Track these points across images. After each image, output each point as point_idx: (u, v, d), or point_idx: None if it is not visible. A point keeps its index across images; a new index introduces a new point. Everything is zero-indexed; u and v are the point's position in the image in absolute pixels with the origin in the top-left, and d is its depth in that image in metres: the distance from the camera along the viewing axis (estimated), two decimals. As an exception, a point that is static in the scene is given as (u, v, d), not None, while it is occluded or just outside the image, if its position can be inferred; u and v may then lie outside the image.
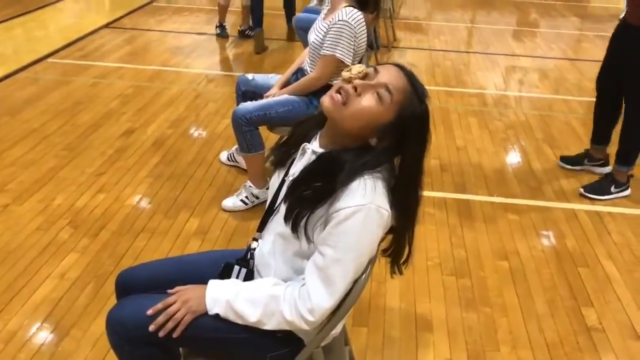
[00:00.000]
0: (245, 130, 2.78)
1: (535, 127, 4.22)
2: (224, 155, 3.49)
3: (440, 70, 5.36)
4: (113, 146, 3.66)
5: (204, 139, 3.80)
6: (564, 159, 3.64)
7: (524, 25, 7.38)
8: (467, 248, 2.82)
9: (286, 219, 1.39)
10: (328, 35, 2.78)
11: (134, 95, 4.47)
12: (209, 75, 4.98)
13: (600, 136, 3.53)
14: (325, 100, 1.34)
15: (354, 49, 2.81)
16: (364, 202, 1.29)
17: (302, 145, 1.46)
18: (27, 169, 3.35)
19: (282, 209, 1.42)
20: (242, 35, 6.06)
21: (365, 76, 1.35)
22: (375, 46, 4.31)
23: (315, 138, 1.46)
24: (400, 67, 1.37)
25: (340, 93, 1.33)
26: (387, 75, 1.33)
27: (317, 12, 3.64)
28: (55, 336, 2.19)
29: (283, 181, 1.51)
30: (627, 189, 3.34)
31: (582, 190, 3.32)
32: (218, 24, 6.09)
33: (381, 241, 1.47)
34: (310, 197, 1.34)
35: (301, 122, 1.55)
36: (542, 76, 5.38)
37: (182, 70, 5.09)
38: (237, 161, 3.42)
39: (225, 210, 3.02)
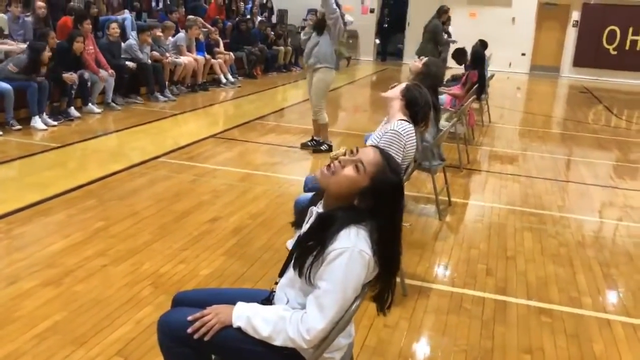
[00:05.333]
0: (302, 215, 3.26)
1: (589, 246, 4.40)
2: (289, 243, 3.96)
3: (507, 191, 5.69)
4: (199, 229, 4.25)
5: (276, 229, 4.32)
6: None
7: (600, 158, 7.59)
8: (495, 340, 3.05)
9: (294, 266, 1.84)
10: (381, 142, 3.29)
11: (224, 191, 5.14)
12: (292, 180, 5.60)
13: None
14: (318, 173, 1.84)
15: (402, 156, 3.28)
16: (349, 245, 1.73)
17: (310, 208, 1.94)
18: (126, 240, 3.99)
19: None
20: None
21: (348, 154, 1.85)
22: (440, 159, 4.81)
23: (321, 203, 1.93)
24: (377, 148, 1.85)
25: (330, 167, 1.82)
26: (364, 153, 1.82)
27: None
28: (124, 365, 2.65)
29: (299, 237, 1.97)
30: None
31: None
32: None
33: (369, 289, 1.87)
34: (311, 247, 1.79)
35: (316, 194, 2.03)
36: (606, 203, 5.57)
37: (269, 174, 5.77)
38: (300, 249, 3.88)
39: (282, 287, 3.45)
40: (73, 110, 7.60)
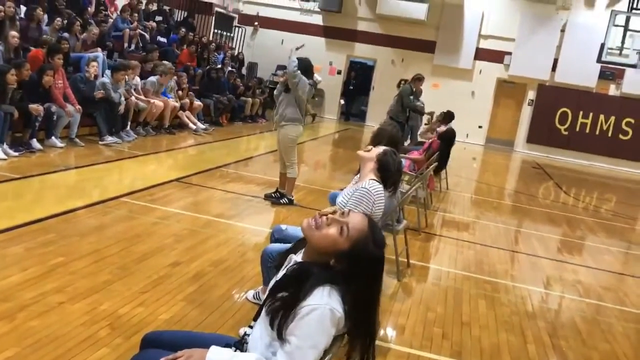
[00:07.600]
0: (269, 265, 3.31)
1: (539, 316, 4.55)
2: (250, 294, 3.98)
3: (462, 257, 5.85)
4: (159, 273, 4.22)
5: (237, 279, 4.32)
6: None
7: (551, 232, 7.89)
8: (449, 403, 3.11)
9: (266, 314, 1.88)
10: (351, 199, 3.40)
11: (186, 236, 5.13)
12: (254, 230, 5.63)
13: None
14: (304, 222, 1.91)
15: (370, 213, 3.38)
16: (322, 302, 1.80)
17: (290, 255, 2.00)
18: (85, 278, 3.92)
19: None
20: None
21: (338, 215, 1.92)
22: (398, 222, 4.92)
23: (301, 251, 2.00)
24: (367, 217, 1.94)
25: (316, 220, 1.89)
26: (352, 218, 1.90)
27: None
28: (78, 406, 2.59)
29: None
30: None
31: None
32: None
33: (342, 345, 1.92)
34: (284, 299, 1.84)
35: (299, 242, 2.10)
36: (556, 276, 5.77)
37: (232, 222, 5.78)
38: (261, 299, 3.89)
39: (241, 337, 3.44)
40: (35, 142, 7.49)
